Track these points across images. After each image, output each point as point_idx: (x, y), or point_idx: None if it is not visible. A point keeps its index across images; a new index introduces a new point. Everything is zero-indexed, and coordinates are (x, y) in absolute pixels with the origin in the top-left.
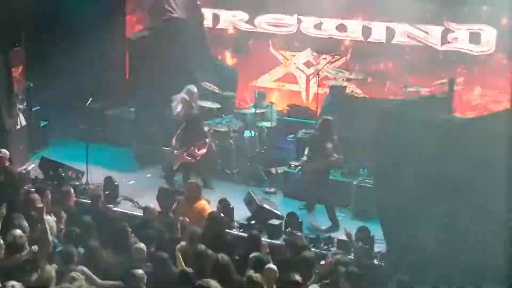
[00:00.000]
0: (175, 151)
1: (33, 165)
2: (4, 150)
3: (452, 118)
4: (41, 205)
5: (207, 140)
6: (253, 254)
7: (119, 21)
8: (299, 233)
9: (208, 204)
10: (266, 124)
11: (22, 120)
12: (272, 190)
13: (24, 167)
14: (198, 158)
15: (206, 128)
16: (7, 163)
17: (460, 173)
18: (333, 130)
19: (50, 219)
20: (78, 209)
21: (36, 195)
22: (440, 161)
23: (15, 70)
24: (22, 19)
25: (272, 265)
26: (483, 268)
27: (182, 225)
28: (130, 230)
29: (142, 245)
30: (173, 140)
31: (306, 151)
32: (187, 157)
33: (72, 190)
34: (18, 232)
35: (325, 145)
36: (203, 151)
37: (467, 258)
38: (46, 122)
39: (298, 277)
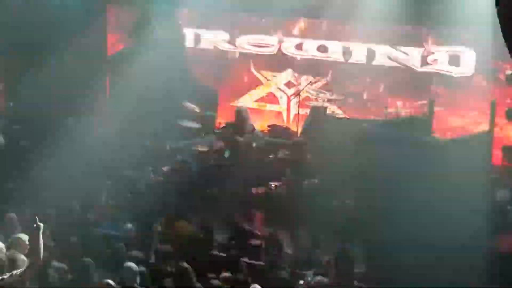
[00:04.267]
0: None
1: None
2: None
3: (432, 139)
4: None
5: None
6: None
7: (99, 41)
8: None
9: (188, 225)
10: None
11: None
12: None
13: None
14: None
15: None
16: None
17: (439, 193)
18: (307, 152)
19: None
20: None
21: None
22: (420, 182)
23: None
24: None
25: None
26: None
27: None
28: None
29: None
30: None
31: (287, 172)
32: None
33: None
34: None
35: (300, 167)
36: None
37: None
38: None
39: None
